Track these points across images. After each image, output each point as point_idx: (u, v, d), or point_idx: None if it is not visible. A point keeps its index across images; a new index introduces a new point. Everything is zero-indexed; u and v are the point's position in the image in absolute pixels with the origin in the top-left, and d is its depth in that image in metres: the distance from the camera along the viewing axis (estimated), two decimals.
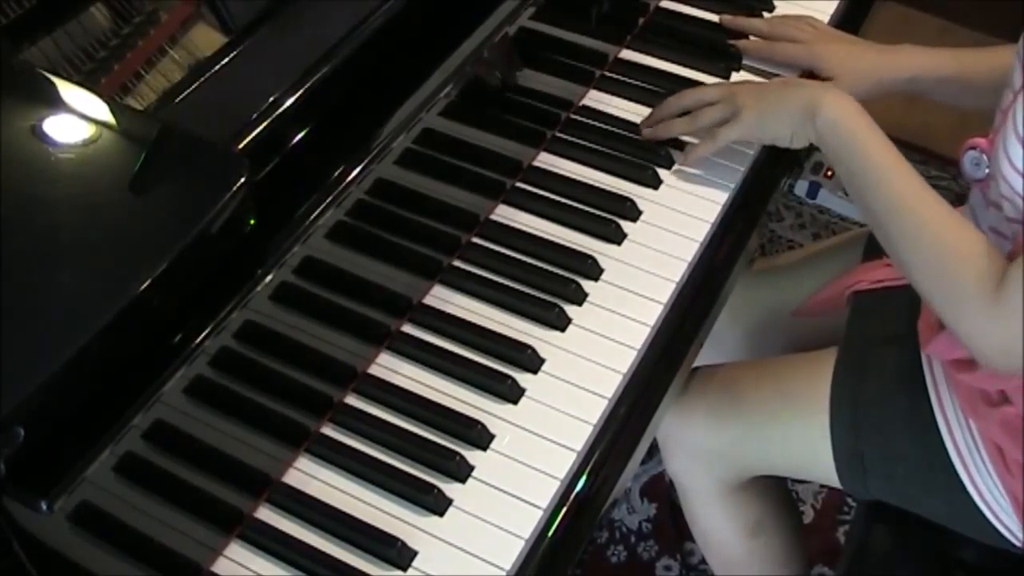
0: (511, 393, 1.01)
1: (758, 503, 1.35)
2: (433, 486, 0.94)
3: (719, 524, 1.36)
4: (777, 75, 1.30)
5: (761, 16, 1.37)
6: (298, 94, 0.91)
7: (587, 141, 1.22)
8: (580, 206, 1.16)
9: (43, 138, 0.82)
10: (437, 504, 0.94)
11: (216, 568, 0.91)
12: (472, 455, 0.97)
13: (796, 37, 1.29)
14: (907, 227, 1.01)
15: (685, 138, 1.21)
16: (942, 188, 2.26)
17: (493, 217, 1.14)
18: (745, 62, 1.32)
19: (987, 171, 1.04)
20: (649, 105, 1.25)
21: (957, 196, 2.23)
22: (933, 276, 1.00)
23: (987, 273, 0.95)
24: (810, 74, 1.28)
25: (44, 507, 0.73)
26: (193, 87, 0.90)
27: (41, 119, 0.83)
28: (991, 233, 1.05)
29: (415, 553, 0.92)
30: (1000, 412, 1.07)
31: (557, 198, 1.16)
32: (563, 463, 0.97)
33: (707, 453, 1.29)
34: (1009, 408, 1.07)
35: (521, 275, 1.10)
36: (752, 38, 1.33)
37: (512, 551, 0.92)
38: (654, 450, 1.34)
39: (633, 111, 1.25)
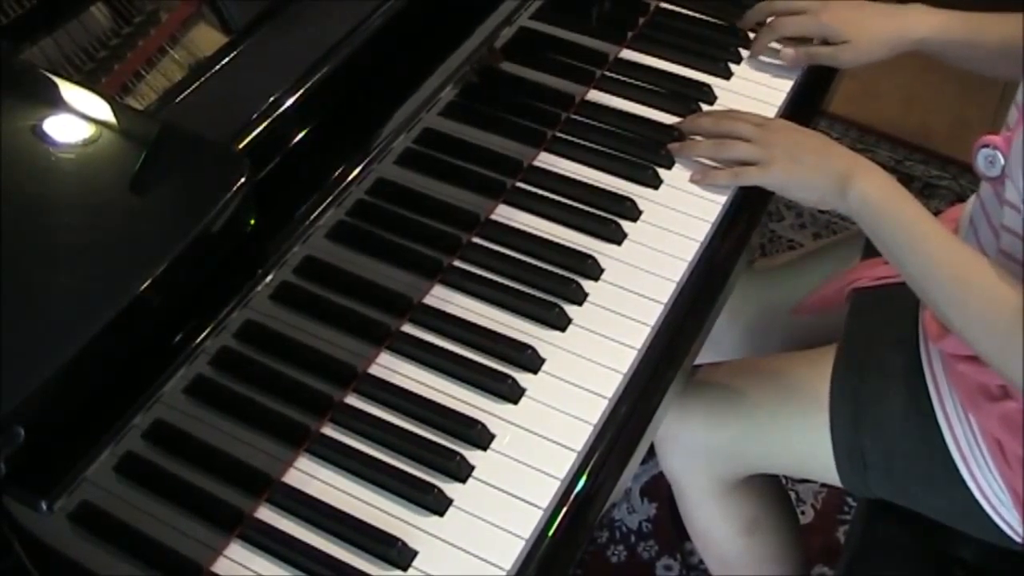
0: (511, 393, 1.01)
1: (753, 501, 1.35)
2: (433, 486, 0.94)
3: (714, 523, 1.36)
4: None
5: None
6: (299, 94, 0.91)
7: (587, 141, 1.22)
8: (580, 206, 1.15)
9: (44, 138, 0.82)
10: (437, 504, 0.94)
11: (216, 568, 0.91)
12: (472, 455, 0.97)
13: (802, 8, 1.30)
14: (949, 291, 1.02)
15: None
16: (942, 188, 2.26)
17: (493, 217, 1.14)
18: (748, 56, 1.33)
19: (1001, 169, 1.04)
20: (650, 105, 1.26)
21: (957, 196, 2.23)
22: (982, 332, 1.00)
23: None
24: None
25: (44, 507, 0.73)
26: (194, 87, 0.90)
27: (42, 119, 0.83)
28: (1005, 232, 1.04)
29: (415, 553, 0.92)
30: (1000, 407, 1.07)
31: (557, 198, 1.16)
32: (563, 463, 0.97)
33: (705, 451, 1.29)
34: (1009, 403, 1.07)
35: (521, 275, 1.10)
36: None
37: (512, 551, 0.92)
38: (654, 449, 1.34)
39: (633, 111, 1.26)
